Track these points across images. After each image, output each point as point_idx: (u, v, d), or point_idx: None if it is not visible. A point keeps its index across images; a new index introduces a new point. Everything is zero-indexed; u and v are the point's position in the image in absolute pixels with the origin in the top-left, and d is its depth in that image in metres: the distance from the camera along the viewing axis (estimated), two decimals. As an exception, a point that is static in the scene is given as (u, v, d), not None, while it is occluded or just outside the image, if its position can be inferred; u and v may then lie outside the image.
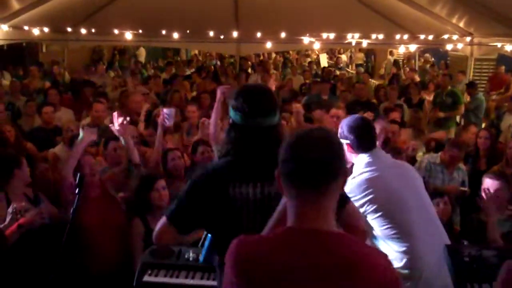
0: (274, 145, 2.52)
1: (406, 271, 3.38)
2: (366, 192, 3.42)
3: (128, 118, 5.07)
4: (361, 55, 21.54)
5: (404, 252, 3.40)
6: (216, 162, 2.82)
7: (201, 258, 3.84)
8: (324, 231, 1.85)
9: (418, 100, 10.91)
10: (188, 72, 15.35)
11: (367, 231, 2.85)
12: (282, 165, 1.92)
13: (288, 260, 1.80)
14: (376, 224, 3.46)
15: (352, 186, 3.43)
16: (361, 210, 3.39)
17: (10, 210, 4.10)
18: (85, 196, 4.16)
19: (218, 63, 19.26)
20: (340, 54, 23.08)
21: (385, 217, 3.42)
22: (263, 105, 2.68)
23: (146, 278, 3.89)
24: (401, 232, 3.42)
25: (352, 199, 3.25)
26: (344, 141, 3.51)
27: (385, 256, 1.89)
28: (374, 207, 3.41)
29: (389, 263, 1.86)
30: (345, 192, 2.75)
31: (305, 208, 1.88)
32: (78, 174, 3.81)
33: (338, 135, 3.56)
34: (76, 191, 3.68)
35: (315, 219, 1.86)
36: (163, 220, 2.69)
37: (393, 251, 3.40)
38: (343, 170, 1.93)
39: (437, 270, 3.39)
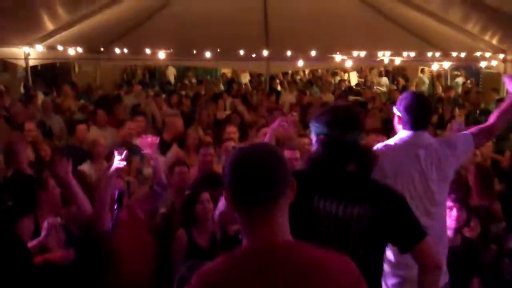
0: (362, 165, 2.69)
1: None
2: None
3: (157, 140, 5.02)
4: (384, 80, 20.90)
5: None
6: (305, 171, 2.82)
7: None
8: (278, 243, 1.83)
9: (450, 117, 10.75)
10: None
11: (441, 266, 2.78)
12: (227, 184, 1.90)
13: (246, 281, 1.77)
14: None
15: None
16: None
17: (45, 225, 4.12)
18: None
19: (243, 80, 19.22)
20: (369, 73, 22.96)
21: None
22: (357, 123, 2.77)
23: (184, 293, 3.84)
24: None
25: None
26: (396, 113, 3.57)
27: (346, 260, 1.86)
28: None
29: (349, 267, 1.84)
30: (421, 228, 2.72)
31: (256, 225, 1.86)
32: (117, 191, 3.82)
33: (395, 105, 3.63)
34: (115, 207, 3.70)
35: (267, 234, 1.84)
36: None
37: None
38: (289, 184, 1.90)
39: None
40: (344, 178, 2.66)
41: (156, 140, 4.96)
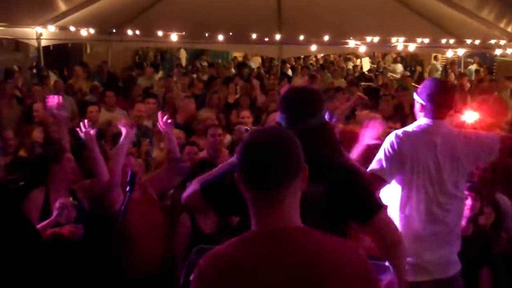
0: (319, 146, 2.60)
1: None
2: (394, 146, 3.38)
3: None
4: (398, 67, 20.46)
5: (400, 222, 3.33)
6: None
7: None
8: (287, 229, 1.81)
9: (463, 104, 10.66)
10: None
11: (400, 241, 2.73)
12: (238, 168, 1.89)
13: (252, 265, 1.76)
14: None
15: (390, 136, 3.45)
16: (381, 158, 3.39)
17: (57, 205, 4.14)
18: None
19: (253, 65, 19.16)
20: (382, 58, 22.82)
21: (399, 179, 3.40)
22: (305, 107, 2.72)
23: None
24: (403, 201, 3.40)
25: (388, 151, 3.39)
26: (419, 100, 3.52)
27: (355, 248, 1.85)
28: (395, 163, 3.37)
29: (357, 255, 1.82)
30: (377, 200, 2.73)
31: (264, 209, 1.84)
32: (130, 172, 3.82)
33: (417, 92, 3.59)
34: (128, 189, 3.70)
35: (276, 219, 1.82)
36: (195, 186, 2.73)
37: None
38: (300, 169, 1.88)
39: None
40: None
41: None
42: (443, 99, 3.47)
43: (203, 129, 6.87)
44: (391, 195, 3.46)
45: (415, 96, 3.59)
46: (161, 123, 4.97)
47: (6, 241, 3.30)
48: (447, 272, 3.44)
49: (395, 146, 3.38)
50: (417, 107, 3.56)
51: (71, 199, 4.30)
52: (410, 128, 3.53)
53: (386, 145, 3.42)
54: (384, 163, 3.37)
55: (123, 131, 4.71)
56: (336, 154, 2.80)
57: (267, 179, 1.83)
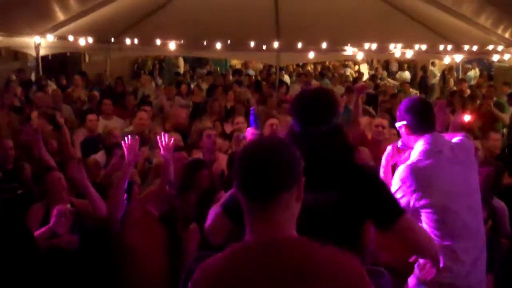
0: (331, 151, 2.58)
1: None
2: (417, 182, 3.21)
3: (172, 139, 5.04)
4: (406, 74, 19.94)
5: (443, 251, 3.19)
6: None
7: None
8: (279, 239, 1.81)
9: (462, 110, 10.67)
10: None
11: (430, 246, 2.69)
12: (234, 177, 1.90)
13: (243, 277, 1.77)
14: (423, 217, 3.27)
15: (404, 174, 3.25)
16: (409, 199, 3.21)
17: (55, 212, 4.14)
18: (127, 214, 4.14)
19: (252, 71, 19.15)
20: (384, 65, 22.80)
21: (433, 212, 3.23)
22: (315, 112, 2.66)
23: (192, 285, 3.84)
24: (445, 230, 3.23)
25: (401, 188, 3.21)
26: (401, 123, 3.38)
27: (349, 258, 1.82)
28: (424, 199, 3.20)
29: (352, 266, 1.80)
30: (397, 205, 2.66)
31: (257, 219, 1.86)
32: (127, 181, 3.82)
33: (397, 117, 3.43)
34: (125, 197, 3.70)
35: (268, 229, 1.83)
36: (216, 210, 2.67)
37: None
38: (295, 181, 1.86)
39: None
40: (311, 165, 2.46)
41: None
42: (426, 111, 3.37)
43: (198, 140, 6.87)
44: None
45: (396, 124, 3.46)
46: (162, 150, 4.91)
47: (4, 249, 3.29)
48: None
49: (416, 183, 3.22)
50: (403, 131, 3.41)
51: (69, 205, 4.30)
52: (415, 156, 3.33)
53: (403, 185, 3.24)
54: (409, 201, 3.23)
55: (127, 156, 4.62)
56: (350, 159, 2.71)
57: (259, 190, 1.83)
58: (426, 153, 3.28)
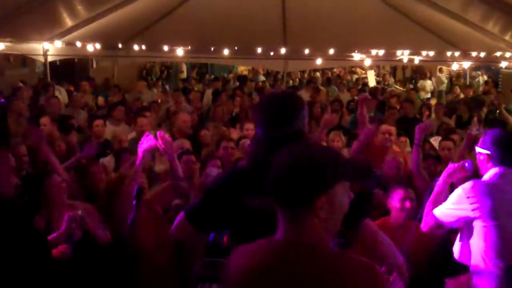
0: None
1: None
2: (487, 198, 3.25)
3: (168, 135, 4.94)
4: (428, 84, 19.28)
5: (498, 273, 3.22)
6: (235, 171, 2.83)
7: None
8: (305, 243, 1.86)
9: (468, 117, 10.67)
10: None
11: (395, 254, 2.72)
12: (269, 183, 1.93)
13: (269, 273, 1.83)
14: (482, 234, 3.28)
15: (466, 186, 3.32)
16: (474, 213, 3.25)
17: (66, 218, 4.15)
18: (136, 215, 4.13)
19: (262, 77, 19.17)
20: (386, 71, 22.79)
21: (495, 229, 3.24)
22: (274, 116, 2.67)
23: (198, 291, 3.86)
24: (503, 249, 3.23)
25: (457, 202, 3.28)
26: (483, 151, 3.46)
27: (369, 267, 1.83)
28: (484, 213, 3.24)
29: (371, 275, 1.81)
30: (361, 209, 2.71)
31: (288, 223, 1.91)
32: (136, 186, 3.81)
33: (479, 145, 3.51)
34: (134, 203, 3.70)
35: (298, 233, 1.87)
36: (181, 216, 2.77)
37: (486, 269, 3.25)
38: (327, 187, 1.87)
39: None
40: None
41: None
42: (509, 145, 3.43)
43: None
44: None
45: (477, 149, 3.54)
46: (160, 143, 4.51)
47: (16, 253, 3.30)
48: None
49: (480, 195, 3.27)
50: (482, 158, 3.48)
51: (80, 212, 4.31)
52: (487, 177, 3.41)
53: (464, 195, 3.31)
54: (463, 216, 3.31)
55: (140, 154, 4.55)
56: None
57: (290, 198, 1.88)
58: (497, 178, 3.35)
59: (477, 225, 3.28)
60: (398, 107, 11.05)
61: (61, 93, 11.81)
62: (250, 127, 7.54)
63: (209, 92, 13.14)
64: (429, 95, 17.81)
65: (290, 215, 1.88)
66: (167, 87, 16.93)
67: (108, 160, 6.59)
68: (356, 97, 14.01)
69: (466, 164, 3.63)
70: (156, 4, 11.37)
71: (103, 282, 4.29)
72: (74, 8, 10.07)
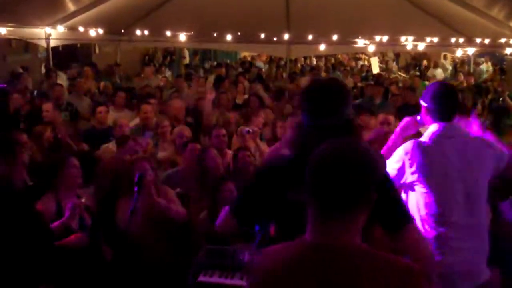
0: None
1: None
2: (419, 158, 3.26)
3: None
4: (439, 72, 18.81)
5: (436, 238, 3.23)
6: (278, 161, 2.79)
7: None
8: (338, 245, 1.80)
9: (472, 105, 10.62)
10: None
11: (431, 257, 2.65)
12: (306, 182, 1.86)
13: (298, 274, 1.78)
14: (416, 198, 3.30)
15: (409, 147, 3.31)
16: (404, 172, 3.27)
17: (69, 205, 4.15)
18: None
19: (260, 64, 19.08)
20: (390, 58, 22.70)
21: (428, 193, 3.26)
22: (324, 105, 2.58)
23: (201, 278, 3.88)
24: (439, 214, 3.24)
25: (401, 159, 3.27)
26: (423, 104, 3.43)
27: (410, 269, 1.80)
28: (420, 176, 3.25)
29: (412, 277, 1.77)
30: (407, 210, 2.63)
31: (320, 224, 1.84)
32: (138, 174, 3.81)
33: (421, 97, 3.47)
34: (135, 189, 3.70)
35: (336, 236, 1.81)
36: (226, 210, 2.73)
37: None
38: (371, 192, 1.83)
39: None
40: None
41: None
42: (447, 100, 3.39)
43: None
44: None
45: (420, 101, 3.51)
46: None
47: (18, 238, 3.30)
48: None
49: (418, 158, 3.27)
50: (423, 111, 3.47)
51: (83, 200, 4.31)
52: (426, 137, 3.39)
53: (405, 156, 3.30)
54: (404, 173, 3.29)
55: None
56: None
57: (336, 200, 1.80)
58: (435, 138, 3.33)
59: (416, 190, 3.30)
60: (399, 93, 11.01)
61: (60, 78, 11.69)
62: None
63: (211, 79, 13.09)
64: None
65: (326, 216, 1.82)
66: (169, 73, 16.89)
67: (112, 145, 6.59)
68: (359, 84, 14.01)
69: (418, 117, 3.58)
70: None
71: (104, 270, 4.30)
72: (77, -8, 10.03)
